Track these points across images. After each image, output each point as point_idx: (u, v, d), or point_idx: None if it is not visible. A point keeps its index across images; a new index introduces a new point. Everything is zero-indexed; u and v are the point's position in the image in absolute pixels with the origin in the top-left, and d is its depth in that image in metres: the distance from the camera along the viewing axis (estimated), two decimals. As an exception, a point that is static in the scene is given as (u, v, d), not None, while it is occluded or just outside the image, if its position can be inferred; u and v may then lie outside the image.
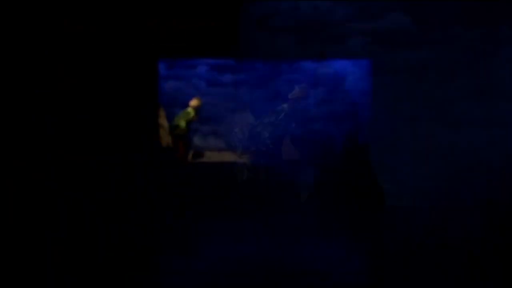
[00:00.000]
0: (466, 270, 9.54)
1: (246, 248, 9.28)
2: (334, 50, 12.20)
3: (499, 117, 11.97)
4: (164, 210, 10.44)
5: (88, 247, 8.82)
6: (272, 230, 10.19)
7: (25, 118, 9.19)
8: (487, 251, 10.18)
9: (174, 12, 10.79)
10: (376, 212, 9.97)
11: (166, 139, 13.71)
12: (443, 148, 12.05)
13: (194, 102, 14.02)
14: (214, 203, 10.01)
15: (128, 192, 9.75)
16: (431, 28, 12.21)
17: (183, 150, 13.70)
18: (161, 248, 9.30)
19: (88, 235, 9.08)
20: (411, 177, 12.06)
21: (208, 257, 8.81)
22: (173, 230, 9.85)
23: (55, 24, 9.33)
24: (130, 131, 10.40)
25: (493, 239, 10.29)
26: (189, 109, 14.18)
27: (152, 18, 10.45)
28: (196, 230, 9.87)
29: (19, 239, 8.61)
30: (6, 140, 8.96)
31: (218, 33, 11.13)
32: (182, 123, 14.14)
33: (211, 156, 12.52)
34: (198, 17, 10.99)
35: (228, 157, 13.16)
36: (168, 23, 10.66)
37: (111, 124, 10.04)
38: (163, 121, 13.64)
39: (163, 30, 10.68)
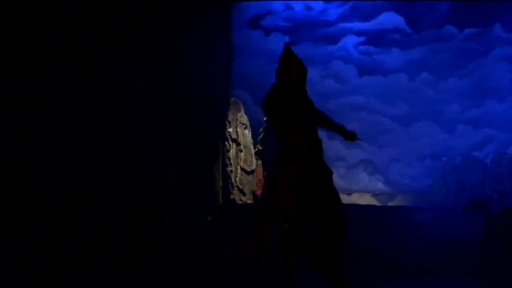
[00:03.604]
0: (460, 268, 9.56)
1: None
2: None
3: (492, 116, 12.05)
4: None
5: None
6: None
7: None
8: (481, 250, 10.22)
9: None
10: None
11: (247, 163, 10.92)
12: (436, 147, 12.09)
13: None
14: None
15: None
16: (424, 28, 12.26)
17: (261, 180, 10.62)
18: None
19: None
20: (404, 177, 12.07)
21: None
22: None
23: None
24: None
25: (487, 239, 10.33)
26: None
27: None
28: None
29: None
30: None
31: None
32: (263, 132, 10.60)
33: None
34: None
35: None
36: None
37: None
38: (241, 130, 11.04)
39: None
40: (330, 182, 5.63)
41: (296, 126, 5.51)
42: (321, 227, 5.58)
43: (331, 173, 5.66)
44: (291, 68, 5.54)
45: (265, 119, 10.29)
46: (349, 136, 5.82)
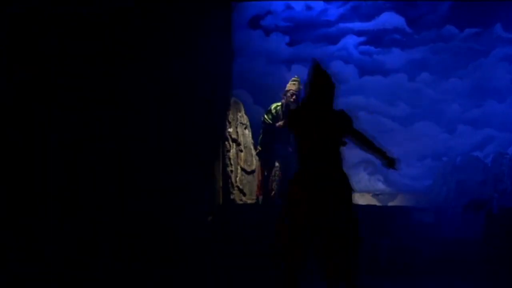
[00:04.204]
0: (461, 269, 9.55)
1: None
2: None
3: (492, 116, 12.06)
4: None
5: None
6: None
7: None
8: (482, 251, 10.21)
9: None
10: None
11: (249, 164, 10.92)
12: (437, 147, 12.09)
13: (291, 86, 9.98)
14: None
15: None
16: (425, 28, 12.27)
17: (261, 181, 10.56)
18: None
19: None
20: (404, 177, 12.06)
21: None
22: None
23: None
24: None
25: (488, 239, 10.32)
26: (273, 106, 10.16)
27: None
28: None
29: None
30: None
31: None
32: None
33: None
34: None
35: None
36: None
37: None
38: (241, 131, 10.99)
39: None
40: (349, 198, 5.71)
41: (322, 137, 5.66)
42: (335, 235, 5.65)
43: (352, 190, 5.75)
44: (319, 82, 5.72)
45: (262, 120, 10.30)
46: (389, 162, 5.89)
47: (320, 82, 5.73)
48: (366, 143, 5.82)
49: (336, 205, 5.60)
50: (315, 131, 5.65)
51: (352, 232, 5.63)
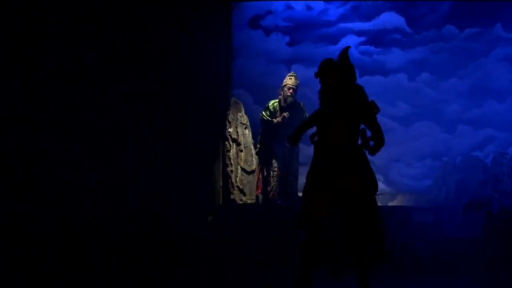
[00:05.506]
0: (461, 269, 9.55)
1: None
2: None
3: (492, 116, 12.05)
4: None
5: None
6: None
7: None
8: (482, 251, 10.20)
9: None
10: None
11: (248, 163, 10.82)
12: (437, 147, 12.08)
13: (287, 81, 10.21)
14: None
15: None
16: (425, 28, 12.27)
17: (259, 179, 10.55)
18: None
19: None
20: (404, 177, 12.06)
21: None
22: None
23: None
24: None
25: (488, 239, 10.31)
26: (271, 103, 10.41)
27: None
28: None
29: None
30: None
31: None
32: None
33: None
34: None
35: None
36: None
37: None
38: (241, 130, 10.88)
39: None
40: (372, 195, 5.76)
41: (341, 124, 5.66)
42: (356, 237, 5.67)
43: (377, 186, 5.76)
44: (331, 76, 5.75)
45: (260, 116, 10.33)
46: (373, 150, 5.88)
47: (332, 77, 5.74)
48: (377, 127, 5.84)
49: (355, 187, 5.59)
50: (335, 119, 5.67)
51: (372, 213, 5.65)
